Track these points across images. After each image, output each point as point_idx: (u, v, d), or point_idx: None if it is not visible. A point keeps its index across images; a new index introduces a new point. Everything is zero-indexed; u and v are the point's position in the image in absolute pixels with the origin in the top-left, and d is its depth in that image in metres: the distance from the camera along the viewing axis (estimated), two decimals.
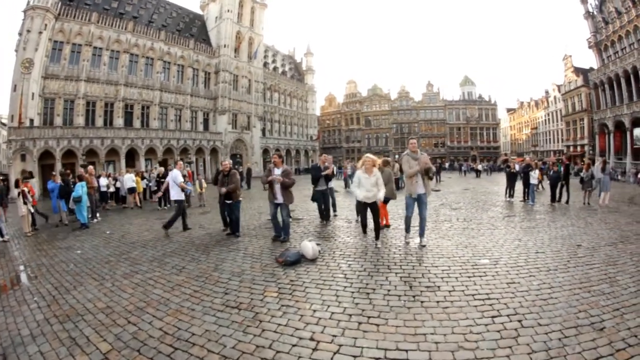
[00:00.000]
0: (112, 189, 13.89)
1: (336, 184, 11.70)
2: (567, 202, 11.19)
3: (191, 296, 3.87)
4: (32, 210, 8.92)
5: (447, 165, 48.65)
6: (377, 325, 3.04)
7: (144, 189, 15.23)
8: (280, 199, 6.16)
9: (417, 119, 57.42)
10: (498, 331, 2.86)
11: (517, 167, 13.55)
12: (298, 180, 9.42)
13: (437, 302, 3.47)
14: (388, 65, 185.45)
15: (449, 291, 3.74)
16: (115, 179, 14.75)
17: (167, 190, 12.73)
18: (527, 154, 47.05)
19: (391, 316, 3.19)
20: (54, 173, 11.69)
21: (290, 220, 8.46)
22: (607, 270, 4.37)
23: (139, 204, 13.63)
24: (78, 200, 8.97)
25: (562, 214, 9.16)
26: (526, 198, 11.73)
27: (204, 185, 13.83)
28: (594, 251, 5.31)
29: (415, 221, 5.91)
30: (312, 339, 2.84)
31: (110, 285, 4.35)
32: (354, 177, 5.73)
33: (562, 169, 12.16)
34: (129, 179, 13.72)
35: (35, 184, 14.11)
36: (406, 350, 2.64)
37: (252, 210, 11.01)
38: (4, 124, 34.93)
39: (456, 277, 4.16)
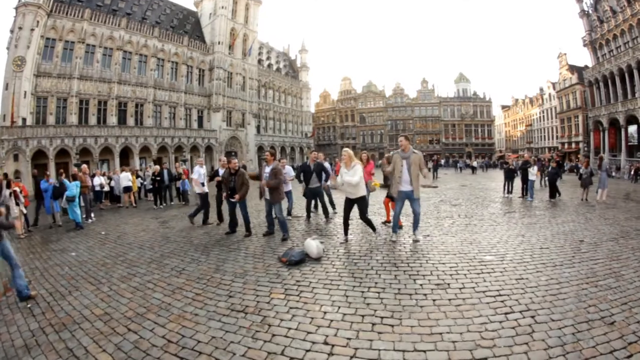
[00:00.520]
0: (106, 188, 13.66)
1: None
2: (558, 196, 11.66)
3: (193, 300, 3.71)
4: (25, 211, 8.69)
5: (442, 162, 48.83)
6: (392, 326, 2.95)
7: (139, 188, 15.17)
8: (269, 197, 6.32)
9: (411, 115, 57.64)
10: (513, 327, 2.84)
11: (514, 164, 13.68)
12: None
13: (449, 300, 3.41)
14: (383, 62, 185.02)
15: (460, 288, 3.68)
16: (110, 178, 14.51)
17: (162, 189, 12.71)
18: (522, 150, 47.44)
19: (405, 316, 3.11)
20: (47, 173, 11.44)
21: (290, 218, 8.41)
22: (612, 265, 4.42)
23: (134, 204, 13.45)
24: (72, 199, 8.77)
25: (562, 210, 9.21)
26: (525, 194, 11.80)
27: None
28: (596, 246, 5.36)
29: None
30: (326, 343, 2.72)
31: (107, 290, 4.17)
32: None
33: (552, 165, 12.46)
34: (125, 178, 13.49)
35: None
36: (424, 351, 2.57)
37: (249, 209, 10.66)
38: None
39: (465, 274, 4.12)
